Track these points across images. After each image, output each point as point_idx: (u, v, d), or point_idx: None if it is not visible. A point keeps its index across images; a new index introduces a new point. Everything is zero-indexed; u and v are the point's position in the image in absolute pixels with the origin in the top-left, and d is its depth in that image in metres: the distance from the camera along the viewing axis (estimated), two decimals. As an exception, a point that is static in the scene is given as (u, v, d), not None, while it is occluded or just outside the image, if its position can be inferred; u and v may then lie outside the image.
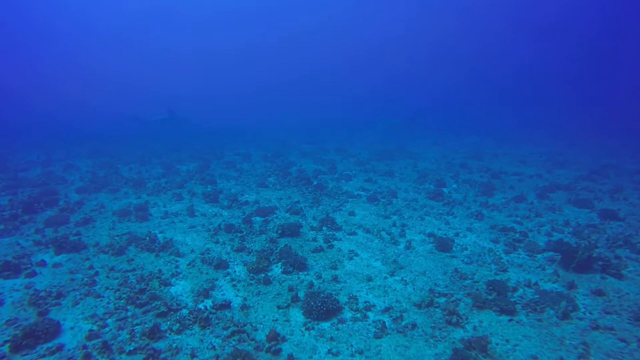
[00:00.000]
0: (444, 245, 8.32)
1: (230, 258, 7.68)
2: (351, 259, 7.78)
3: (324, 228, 9.56)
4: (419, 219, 10.65)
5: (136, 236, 8.60)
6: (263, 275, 6.85)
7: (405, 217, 10.74)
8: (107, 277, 6.67)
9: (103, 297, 5.96)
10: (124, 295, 5.87)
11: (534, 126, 40.90)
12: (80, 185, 13.62)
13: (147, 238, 8.34)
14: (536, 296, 6.17)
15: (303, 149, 24.07)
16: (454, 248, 8.35)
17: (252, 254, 7.91)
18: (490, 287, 6.39)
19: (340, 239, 8.87)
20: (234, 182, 14.76)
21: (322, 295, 5.79)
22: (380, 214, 10.94)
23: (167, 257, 7.63)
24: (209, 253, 7.89)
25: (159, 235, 8.84)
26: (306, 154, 21.89)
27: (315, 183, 14.23)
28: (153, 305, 5.64)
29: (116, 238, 8.59)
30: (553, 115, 48.43)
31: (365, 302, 6.02)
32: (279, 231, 8.95)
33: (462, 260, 7.78)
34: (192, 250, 7.94)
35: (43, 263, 7.08)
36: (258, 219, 10.35)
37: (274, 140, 30.00)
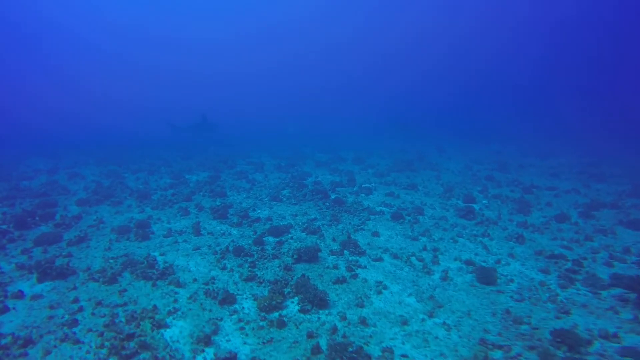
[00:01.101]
0: (486, 276, 7.09)
1: (238, 290, 6.59)
2: (380, 292, 6.62)
3: (346, 252, 8.43)
4: (451, 241, 9.43)
5: (133, 259, 7.59)
6: (277, 314, 5.75)
7: (436, 239, 9.53)
8: (93, 314, 5.64)
9: (82, 343, 4.91)
10: (107, 343, 4.81)
11: (553, 134, 39.11)
12: (82, 196, 12.77)
13: (145, 262, 7.32)
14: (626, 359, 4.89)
15: (318, 158, 23.01)
16: (498, 280, 7.11)
17: (263, 284, 6.82)
18: (557, 338, 5.15)
19: (365, 267, 7.71)
20: (245, 194, 13.75)
21: (350, 349, 4.65)
22: (407, 235, 9.75)
23: (166, 287, 6.58)
24: (213, 283, 6.82)
25: (158, 259, 7.82)
26: (321, 163, 20.83)
27: (333, 197, 13.11)
28: (141, 358, 4.57)
29: (111, 261, 7.60)
30: (571, 123, 46.40)
31: (403, 356, 4.85)
32: (295, 256, 7.84)
33: (511, 297, 6.54)
34: (195, 279, 6.88)
35: (20, 294, 6.09)
36: (271, 239, 9.27)
37: (288, 147, 29.04)
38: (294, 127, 43.81)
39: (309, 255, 7.84)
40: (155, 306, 5.79)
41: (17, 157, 23.12)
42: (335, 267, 7.62)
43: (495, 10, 72.35)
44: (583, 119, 47.11)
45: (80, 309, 5.74)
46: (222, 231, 9.77)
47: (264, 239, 9.20)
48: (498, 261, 8.11)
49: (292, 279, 6.88)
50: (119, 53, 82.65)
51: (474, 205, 12.71)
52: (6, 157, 23.76)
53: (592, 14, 61.29)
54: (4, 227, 9.14)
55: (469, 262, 7.96)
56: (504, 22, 73.83)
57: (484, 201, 13.45)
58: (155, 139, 35.63)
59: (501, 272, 7.52)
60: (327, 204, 12.30)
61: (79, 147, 29.44)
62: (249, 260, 7.79)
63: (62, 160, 21.58)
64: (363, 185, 15.27)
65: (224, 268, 7.47)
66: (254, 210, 11.74)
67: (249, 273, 7.05)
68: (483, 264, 8.03)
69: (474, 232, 10.17)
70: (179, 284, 6.63)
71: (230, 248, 8.38)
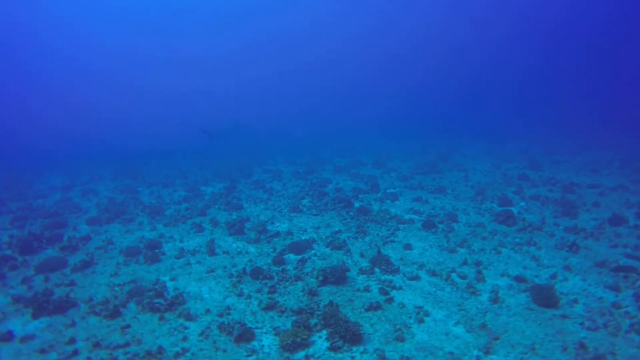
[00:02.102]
0: (544, 297, 6.03)
1: (256, 322, 5.73)
2: (421, 321, 5.65)
3: (377, 270, 7.48)
4: (493, 252, 8.37)
5: (141, 286, 6.84)
6: (303, 354, 4.85)
7: (476, 250, 8.48)
8: (88, 359, 4.87)
9: (74, 401, 4.14)
10: (102, 402, 4.01)
11: (566, 131, 36.98)
12: (93, 214, 12.21)
13: (153, 290, 6.55)
14: None
15: (337, 163, 22.08)
16: (559, 300, 6.04)
17: (285, 313, 5.94)
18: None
19: (400, 287, 6.75)
20: (262, 206, 12.95)
21: (397, 408, 3.71)
22: (442, 246, 8.73)
23: (174, 320, 5.78)
24: (229, 314, 5.98)
25: (168, 285, 7.05)
26: (341, 168, 19.90)
27: (356, 205, 12.18)
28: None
29: (116, 289, 6.87)
30: (581, 119, 43.92)
31: (462, 412, 3.88)
32: (320, 277, 6.94)
33: (582, 324, 5.47)
34: (208, 310, 6.05)
35: (9, 336, 5.37)
36: (292, 256, 8.40)
37: (304, 152, 28.21)
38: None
39: (336, 276, 6.93)
40: (160, 347, 4.98)
41: (33, 174, 23.01)
42: (367, 289, 6.68)
43: (497, 9, 70.16)
44: (593, 114, 44.72)
45: (75, 353, 4.97)
46: (238, 249, 8.96)
47: (284, 257, 8.34)
48: (553, 276, 7.02)
49: (318, 306, 5.98)
50: (122, 73, 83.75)
51: (512, 209, 11.56)
52: (23, 174, 23.72)
53: (595, 9, 58.67)
54: (8, 252, 8.56)
55: (519, 279, 6.90)
56: (505, 20, 71.54)
57: (522, 203, 12.27)
58: (173, 147, 35.40)
59: (560, 289, 6.43)
60: (351, 213, 11.38)
61: (96, 160, 29.39)
62: (269, 284, 6.93)
63: (78, 176, 21.31)
64: (387, 191, 14.28)
65: (240, 294, 6.63)
66: (273, 223, 10.92)
67: (269, 300, 6.18)
68: (536, 279, 6.96)
69: (518, 240, 9.07)
70: (189, 317, 5.82)
71: (248, 269, 7.55)
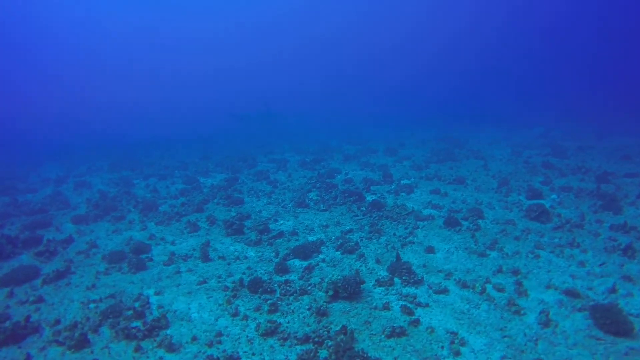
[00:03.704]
0: (610, 321, 4.85)
1: (253, 354, 4.65)
2: (457, 354, 4.52)
3: (396, 280, 6.35)
4: (531, 256, 7.18)
5: (119, 303, 5.79)
6: (309, 405, 3.76)
7: (510, 254, 7.30)
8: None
9: None
10: None
11: (588, 115, 35.08)
12: (81, 211, 11.20)
13: (132, 309, 5.50)
14: None
15: (346, 151, 20.84)
16: (633, 326, 4.86)
17: (289, 341, 4.85)
18: None
19: (427, 305, 5.61)
20: (265, 200, 11.84)
21: None
22: (470, 249, 7.56)
23: (152, 352, 4.71)
24: (220, 342, 4.90)
25: (152, 300, 5.99)
26: (350, 157, 18.67)
27: (369, 199, 11.01)
28: None
29: (91, 307, 5.83)
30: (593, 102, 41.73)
31: None
32: (330, 292, 5.83)
33: (665, 359, 4.30)
34: (195, 338, 4.97)
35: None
36: (297, 263, 7.30)
37: (312, 140, 26.99)
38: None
39: (349, 290, 5.81)
40: (130, 396, 3.93)
41: (31, 164, 22.14)
42: (386, 307, 5.56)
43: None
44: (609, 100, 42.55)
45: (22, 405, 3.94)
46: (236, 253, 7.87)
47: (288, 263, 7.24)
48: (612, 289, 5.82)
49: (328, 333, 4.87)
50: (121, 56, 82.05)
51: (543, 202, 10.31)
52: (20, 164, 22.87)
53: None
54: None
55: (571, 292, 5.72)
56: (517, 5, 68.43)
57: (553, 196, 11.00)
58: (179, 136, 34.45)
59: (627, 310, 5.24)
60: (363, 208, 10.23)
61: (97, 150, 28.46)
62: (269, 300, 5.84)
63: (76, 167, 20.36)
64: (402, 182, 13.07)
65: (235, 314, 5.55)
66: (276, 221, 9.81)
67: (269, 324, 5.08)
68: (591, 293, 5.77)
69: (557, 240, 7.86)
70: (171, 347, 4.75)
71: (246, 280, 6.46)
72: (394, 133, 30.26)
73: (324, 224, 9.33)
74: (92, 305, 5.85)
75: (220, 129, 37.88)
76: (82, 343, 4.78)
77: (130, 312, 5.47)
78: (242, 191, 12.95)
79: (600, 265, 6.67)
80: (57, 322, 5.40)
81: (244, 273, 6.95)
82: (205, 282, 6.63)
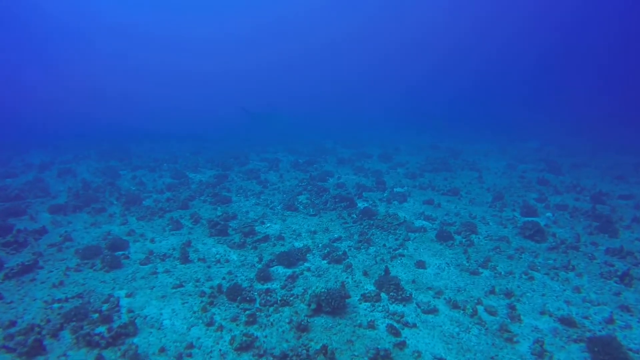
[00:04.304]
0: (609, 357, 4.56)
1: (224, 371, 4.28)
2: (444, 383, 4.19)
3: (384, 296, 6.02)
4: (525, 277, 6.90)
5: (85, 305, 5.39)
6: None
7: (503, 274, 7.01)
8: None
9: None
10: None
11: (577, 128, 35.13)
12: (61, 200, 10.74)
13: (99, 313, 5.10)
14: None
15: (340, 154, 20.54)
16: (626, 360, 4.58)
17: (265, 357, 4.49)
18: None
19: (414, 325, 5.28)
20: (254, 200, 11.46)
21: None
22: (462, 266, 7.26)
23: (116, 364, 4.33)
24: (190, 355, 4.53)
25: (122, 303, 5.59)
26: (344, 161, 18.35)
27: (360, 206, 10.68)
28: None
29: (54, 307, 5.41)
30: (591, 115, 41.81)
31: None
32: (313, 305, 5.48)
33: (664, 401, 4.02)
34: (163, 349, 4.59)
35: None
36: (280, 270, 6.93)
37: (308, 141, 26.65)
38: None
39: (333, 305, 5.46)
40: (81, 415, 3.54)
41: (17, 149, 21.52)
42: (371, 325, 5.22)
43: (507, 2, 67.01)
44: (615, 112, 42.74)
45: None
46: (217, 255, 7.49)
47: (271, 269, 6.88)
48: (610, 319, 5.54)
49: (307, 352, 4.52)
50: (124, 53, 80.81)
51: (537, 220, 10.07)
52: (7, 148, 22.24)
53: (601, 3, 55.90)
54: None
55: (566, 321, 5.43)
56: (515, 14, 68.54)
57: (548, 214, 10.76)
58: (180, 131, 33.88)
59: (626, 344, 4.96)
60: (354, 215, 9.89)
61: (89, 139, 27.83)
62: (247, 310, 5.47)
63: (63, 154, 19.81)
64: (395, 190, 12.77)
65: (210, 323, 5.17)
66: (263, 223, 9.44)
67: (245, 337, 4.72)
68: (587, 322, 5.49)
69: (552, 262, 7.59)
70: (135, 359, 4.36)
71: (225, 287, 6.08)
72: (390, 138, 30.04)
73: (312, 229, 8.98)
74: (55, 306, 5.44)
75: (221, 126, 37.61)
76: (35, 350, 4.38)
77: (97, 315, 5.06)
78: (230, 189, 12.55)
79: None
80: (12, 324, 4.97)
81: (223, 278, 6.58)
82: (181, 285, 6.24)
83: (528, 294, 6.30)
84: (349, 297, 5.84)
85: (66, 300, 5.59)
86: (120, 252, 7.34)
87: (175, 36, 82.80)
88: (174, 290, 6.08)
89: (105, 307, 5.36)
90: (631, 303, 6.02)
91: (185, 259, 7.16)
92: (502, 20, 71.68)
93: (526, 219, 10.16)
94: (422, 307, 5.69)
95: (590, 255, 7.97)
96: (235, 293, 5.87)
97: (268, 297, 5.84)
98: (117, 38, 79.21)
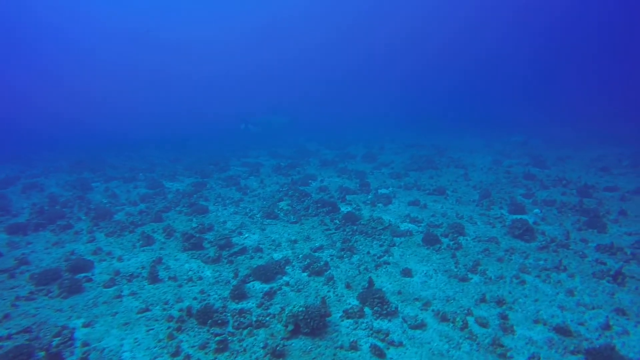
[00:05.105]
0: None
1: (187, 413, 3.78)
2: (434, 413, 3.77)
3: (367, 311, 5.58)
4: (516, 282, 6.55)
5: (30, 341, 4.82)
6: None
7: (493, 279, 6.65)
8: None
9: None
10: None
11: (565, 120, 35.49)
12: (23, 219, 10.04)
13: (46, 350, 4.54)
14: None
15: (323, 156, 20.11)
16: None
17: (234, 393, 4.00)
18: None
19: (401, 344, 4.86)
20: (232, 209, 10.93)
21: None
22: (450, 272, 6.88)
23: (62, 411, 3.79)
24: (149, 396, 4.02)
25: (77, 335, 5.04)
26: (328, 163, 17.92)
27: (343, 210, 10.25)
28: None
29: None
30: (581, 109, 42.37)
31: None
32: (289, 326, 5.01)
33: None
34: (117, 391, 4.07)
35: None
36: (257, 286, 6.45)
37: (291, 143, 26.16)
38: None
39: (312, 325, 5.00)
40: None
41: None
42: (354, 346, 4.78)
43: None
44: (600, 105, 43.34)
45: None
46: (190, 272, 6.96)
47: (247, 285, 6.39)
48: (606, 325, 5.21)
49: (282, 383, 4.05)
50: (116, 56, 79.01)
51: (526, 217, 9.80)
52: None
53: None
54: None
55: (561, 330, 5.07)
56: (507, 9, 69.17)
57: (536, 210, 10.50)
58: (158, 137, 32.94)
59: (625, 353, 4.62)
60: (337, 221, 9.45)
61: (64, 148, 26.80)
62: (219, 335, 4.97)
63: (33, 167, 18.90)
64: (379, 192, 12.38)
65: (176, 353, 4.67)
66: (241, 234, 8.92)
67: (212, 370, 4.23)
68: (582, 330, 5.14)
69: (542, 262, 7.27)
70: (86, 404, 3.83)
71: (195, 308, 5.57)
72: (376, 136, 29.77)
73: (293, 238, 8.50)
74: (-1, 344, 4.85)
75: (208, 128, 36.85)
76: (-29, 399, 3.81)
77: (43, 353, 4.51)
78: (208, 198, 12.00)
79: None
80: (-52, 367, 4.39)
81: (195, 298, 6.07)
82: (148, 309, 5.70)
83: (520, 300, 5.94)
84: (330, 315, 5.39)
85: (9, 337, 5.00)
86: (83, 275, 6.75)
87: (167, 40, 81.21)
88: (138, 315, 5.54)
89: (56, 341, 4.79)
90: (626, 305, 5.71)
91: (154, 279, 6.61)
92: (492, 18, 72.19)
93: (514, 216, 9.87)
94: (409, 322, 5.27)
95: (580, 253, 7.68)
96: (206, 316, 5.37)
97: (242, 319, 5.35)
98: (97, 37, 77.33)
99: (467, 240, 8.44)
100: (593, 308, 5.69)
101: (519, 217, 9.69)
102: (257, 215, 10.16)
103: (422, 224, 9.48)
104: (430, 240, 8.18)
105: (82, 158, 20.64)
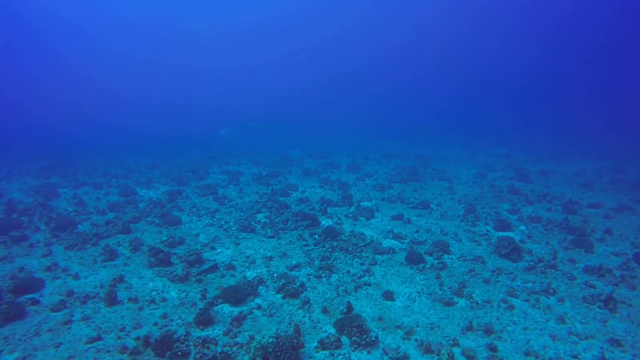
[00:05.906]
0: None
1: None
2: None
3: (344, 340, 5.07)
4: (503, 306, 6.15)
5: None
6: None
7: (480, 303, 6.24)
8: None
9: None
10: None
11: (550, 133, 36.17)
12: (-23, 227, 9.21)
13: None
14: None
15: (307, 165, 19.64)
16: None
17: None
18: None
19: (381, 382, 4.37)
20: (207, 220, 10.32)
21: None
22: (435, 295, 6.44)
23: None
24: None
25: (13, 371, 4.39)
26: (310, 172, 17.44)
27: (324, 224, 9.77)
28: None
29: None
30: (570, 122, 43.33)
31: None
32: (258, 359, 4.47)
33: None
34: None
35: None
36: (226, 309, 5.87)
37: (273, 151, 25.63)
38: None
39: (283, 358, 4.47)
40: None
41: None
42: (329, 385, 4.26)
43: (494, 9, 68.89)
44: (583, 118, 44.37)
45: None
46: (153, 293, 6.34)
47: (215, 308, 5.82)
48: (600, 359, 4.83)
49: None
50: (122, 49, 77.89)
51: (512, 234, 9.50)
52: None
53: (593, 12, 58.39)
54: None
55: (554, 364, 4.67)
56: (502, 21, 70.65)
57: (522, 227, 10.22)
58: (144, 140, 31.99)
59: (623, 393, 4.23)
60: (316, 236, 8.95)
61: (37, 152, 25.66)
62: (175, 372, 4.39)
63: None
64: (362, 204, 11.95)
65: (124, 394, 4.06)
66: (213, 248, 8.33)
67: (164, 417, 3.65)
68: (577, 364, 4.74)
69: (531, 285, 6.91)
70: None
71: (153, 337, 4.96)
72: (361, 145, 29.50)
73: (269, 254, 7.96)
74: None
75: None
76: None
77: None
78: (182, 208, 11.36)
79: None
80: None
81: (155, 324, 5.46)
82: (99, 338, 5.07)
83: (509, 328, 5.53)
84: (303, 346, 4.86)
85: None
86: (29, 296, 6.06)
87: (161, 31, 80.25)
88: (87, 346, 4.90)
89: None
90: (620, 335, 5.36)
91: (111, 300, 5.97)
92: (487, 29, 73.46)
93: (500, 233, 9.57)
94: (390, 355, 4.79)
95: (569, 275, 7.36)
96: (164, 346, 4.78)
97: (205, 350, 4.77)
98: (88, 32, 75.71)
99: (452, 259, 8.04)
100: (586, 338, 5.32)
101: (504, 234, 9.39)
102: (233, 228, 9.59)
103: (405, 241, 9.06)
104: (414, 259, 7.75)
105: (53, 161, 19.70)
